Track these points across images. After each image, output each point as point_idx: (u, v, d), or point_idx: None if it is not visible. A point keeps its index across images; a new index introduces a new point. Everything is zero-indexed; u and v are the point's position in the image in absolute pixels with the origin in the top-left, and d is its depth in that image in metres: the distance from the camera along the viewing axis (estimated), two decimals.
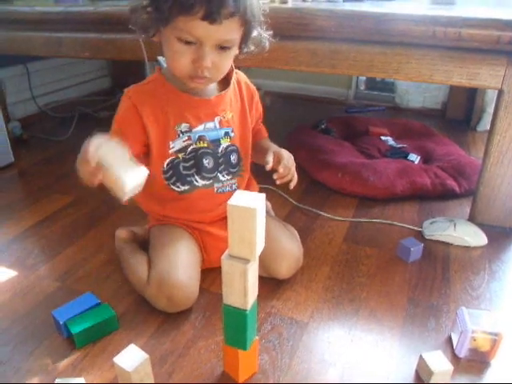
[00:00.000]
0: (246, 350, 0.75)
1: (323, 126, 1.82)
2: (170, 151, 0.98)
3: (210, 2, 0.78)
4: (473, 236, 1.19)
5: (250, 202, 0.62)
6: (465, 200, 1.41)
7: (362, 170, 1.45)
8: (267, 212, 1.23)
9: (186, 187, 1.00)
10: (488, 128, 1.40)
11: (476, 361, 0.85)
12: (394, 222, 1.29)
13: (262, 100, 1.12)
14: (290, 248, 1.04)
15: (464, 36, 1.07)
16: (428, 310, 0.97)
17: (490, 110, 1.92)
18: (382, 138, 1.77)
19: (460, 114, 2.18)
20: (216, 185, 1.02)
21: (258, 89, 1.14)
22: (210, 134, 0.99)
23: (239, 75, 1.04)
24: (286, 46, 1.21)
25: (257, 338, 0.79)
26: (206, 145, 0.99)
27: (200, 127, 0.98)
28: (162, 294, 0.92)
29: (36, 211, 1.36)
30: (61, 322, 0.87)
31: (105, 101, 2.36)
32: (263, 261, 1.00)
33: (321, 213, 1.33)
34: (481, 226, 1.23)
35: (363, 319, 0.94)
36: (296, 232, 1.14)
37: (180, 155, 0.98)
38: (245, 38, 0.90)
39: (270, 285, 1.03)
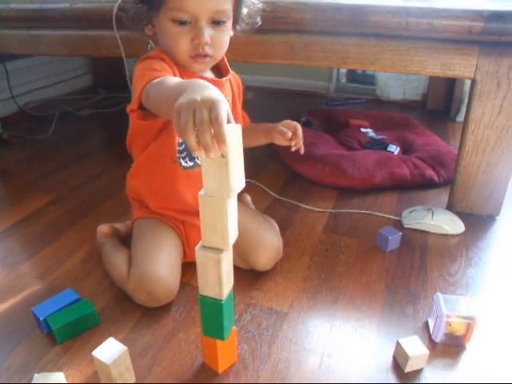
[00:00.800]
0: (223, 340, 0.75)
1: (303, 119, 1.83)
2: None
3: None
4: (450, 224, 1.21)
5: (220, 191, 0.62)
6: (443, 189, 1.43)
7: (341, 161, 1.46)
8: (247, 204, 1.23)
9: (191, 163, 1.00)
10: None
11: (452, 345, 0.86)
12: (374, 212, 1.30)
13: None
14: (270, 240, 1.05)
15: (436, 27, 1.08)
16: (406, 297, 0.99)
17: None
18: (362, 129, 1.78)
19: (440, 105, 2.21)
20: None
21: None
22: None
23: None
24: (262, 39, 1.22)
25: (235, 328, 0.80)
26: None
27: None
28: (142, 290, 0.92)
29: (17, 210, 1.35)
30: (41, 318, 0.87)
31: (86, 99, 2.35)
32: (243, 253, 1.01)
33: (301, 205, 1.34)
34: (459, 214, 1.25)
35: (342, 308, 0.96)
36: (276, 224, 1.15)
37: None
38: (237, 11, 0.91)
39: (250, 276, 1.04)
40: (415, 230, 1.22)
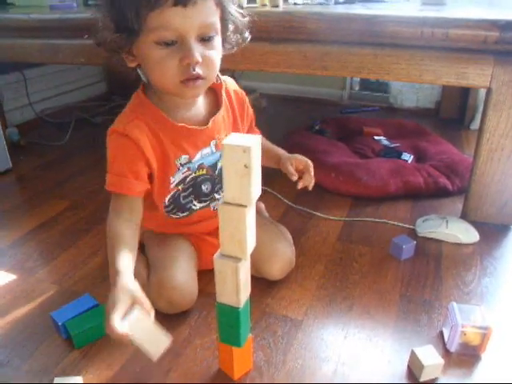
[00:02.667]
0: (240, 347, 0.76)
1: (317, 127, 1.84)
2: (171, 186, 0.94)
3: None
4: (464, 233, 1.21)
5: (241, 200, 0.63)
6: (457, 198, 1.43)
7: (355, 169, 1.47)
8: (260, 213, 1.24)
9: (186, 213, 1.00)
10: None
11: (467, 355, 0.86)
12: (388, 221, 1.31)
13: (257, 102, 1.13)
14: (283, 250, 1.05)
15: (451, 36, 1.09)
16: (420, 306, 0.99)
17: None
18: (376, 137, 1.79)
19: (454, 112, 2.20)
20: (212, 204, 1.02)
21: (253, 91, 1.15)
22: (207, 160, 0.96)
23: (227, 84, 0.99)
24: (277, 48, 1.23)
25: (251, 335, 0.81)
26: (204, 172, 0.97)
27: (198, 156, 0.94)
28: (162, 298, 0.93)
29: (34, 216, 1.38)
30: (60, 324, 0.89)
31: (101, 106, 2.38)
32: (256, 262, 1.01)
33: (315, 213, 1.35)
34: (473, 223, 1.25)
35: (357, 316, 0.96)
36: (289, 233, 1.15)
37: (180, 187, 0.96)
38: (224, 25, 0.85)
39: (265, 284, 1.04)
40: (429, 238, 1.22)
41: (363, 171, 1.45)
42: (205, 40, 0.80)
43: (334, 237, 1.24)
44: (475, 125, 2.03)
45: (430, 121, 2.16)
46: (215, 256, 0.69)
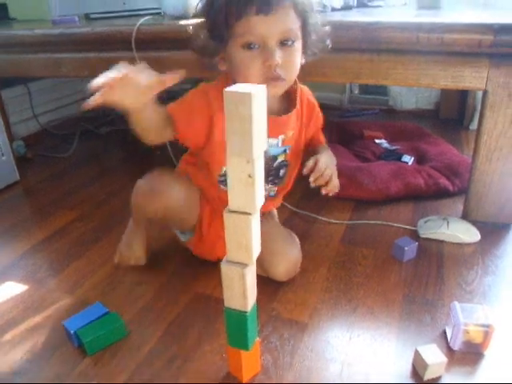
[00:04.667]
0: (248, 351, 0.79)
1: None
2: None
3: None
4: (465, 233, 1.23)
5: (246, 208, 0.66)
6: (458, 198, 1.45)
7: (356, 173, 1.49)
8: (272, 217, 1.26)
9: None
10: None
11: (470, 353, 0.88)
12: (390, 223, 1.33)
13: None
14: (290, 251, 1.08)
15: (447, 41, 1.11)
16: (423, 306, 1.01)
17: None
18: (377, 140, 1.81)
19: (453, 113, 2.23)
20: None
21: None
22: (271, 150, 1.02)
23: (303, 90, 1.06)
24: None
25: (258, 339, 0.83)
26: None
27: None
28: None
29: (43, 227, 1.40)
30: (72, 332, 0.91)
31: (105, 116, 2.41)
32: (263, 261, 1.03)
33: (318, 217, 1.37)
34: (474, 222, 1.27)
35: (361, 317, 0.98)
36: (297, 239, 1.17)
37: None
38: (305, 33, 0.92)
39: (271, 288, 1.07)
40: (431, 239, 1.24)
41: (365, 175, 1.48)
42: (285, 45, 0.89)
43: (337, 240, 1.26)
44: (474, 125, 2.05)
45: (430, 122, 2.19)
46: (222, 262, 0.72)
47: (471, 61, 1.14)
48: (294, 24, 0.89)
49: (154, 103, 0.86)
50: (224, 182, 1.03)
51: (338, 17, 1.33)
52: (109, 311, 0.97)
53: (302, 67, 0.96)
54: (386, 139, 1.84)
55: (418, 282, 1.08)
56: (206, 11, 0.92)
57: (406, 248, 1.14)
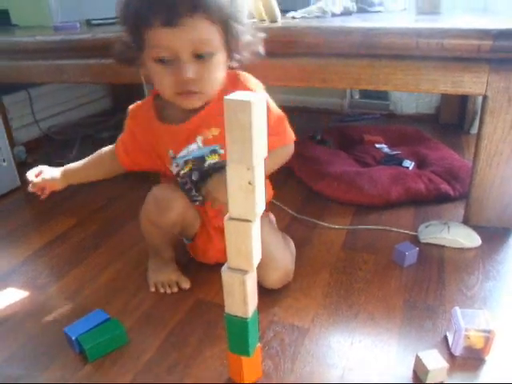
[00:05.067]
0: (249, 357, 0.79)
1: (319, 138, 1.87)
2: (174, 173, 1.04)
3: (164, 6, 0.77)
4: (466, 237, 1.23)
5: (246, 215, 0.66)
6: (459, 203, 1.45)
7: (357, 178, 1.49)
8: (271, 223, 1.25)
9: (197, 203, 1.07)
10: None
11: (471, 358, 0.88)
12: (390, 228, 1.33)
13: None
14: (281, 260, 1.05)
15: (446, 46, 1.11)
16: (424, 312, 1.01)
17: None
18: (377, 145, 1.81)
19: (453, 117, 2.23)
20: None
21: None
22: (194, 154, 0.99)
23: (243, 82, 0.96)
24: (277, 63, 1.26)
25: (259, 344, 0.83)
26: (191, 165, 1.01)
27: (183, 152, 0.99)
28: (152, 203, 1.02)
29: (44, 233, 1.40)
30: (73, 338, 0.91)
31: (106, 121, 2.42)
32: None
33: (319, 222, 1.37)
34: (475, 227, 1.26)
35: (362, 323, 0.98)
36: (293, 244, 1.17)
37: (178, 179, 1.04)
38: (228, 40, 0.87)
39: (272, 293, 1.06)
40: (432, 244, 1.24)
41: (365, 180, 1.48)
42: (201, 57, 0.84)
43: (338, 245, 1.26)
44: (475, 129, 2.05)
45: (430, 126, 2.19)
46: (223, 269, 0.72)
47: (471, 66, 1.14)
48: (210, 35, 0.83)
49: (83, 167, 1.12)
50: (175, 159, 1.02)
51: (337, 22, 1.34)
52: (110, 318, 0.97)
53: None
54: (386, 144, 1.84)
55: (419, 288, 1.08)
56: (122, 15, 0.87)
57: (406, 253, 1.14)
